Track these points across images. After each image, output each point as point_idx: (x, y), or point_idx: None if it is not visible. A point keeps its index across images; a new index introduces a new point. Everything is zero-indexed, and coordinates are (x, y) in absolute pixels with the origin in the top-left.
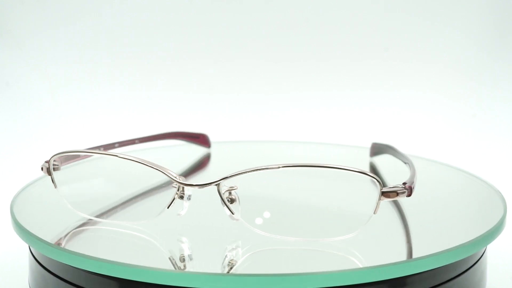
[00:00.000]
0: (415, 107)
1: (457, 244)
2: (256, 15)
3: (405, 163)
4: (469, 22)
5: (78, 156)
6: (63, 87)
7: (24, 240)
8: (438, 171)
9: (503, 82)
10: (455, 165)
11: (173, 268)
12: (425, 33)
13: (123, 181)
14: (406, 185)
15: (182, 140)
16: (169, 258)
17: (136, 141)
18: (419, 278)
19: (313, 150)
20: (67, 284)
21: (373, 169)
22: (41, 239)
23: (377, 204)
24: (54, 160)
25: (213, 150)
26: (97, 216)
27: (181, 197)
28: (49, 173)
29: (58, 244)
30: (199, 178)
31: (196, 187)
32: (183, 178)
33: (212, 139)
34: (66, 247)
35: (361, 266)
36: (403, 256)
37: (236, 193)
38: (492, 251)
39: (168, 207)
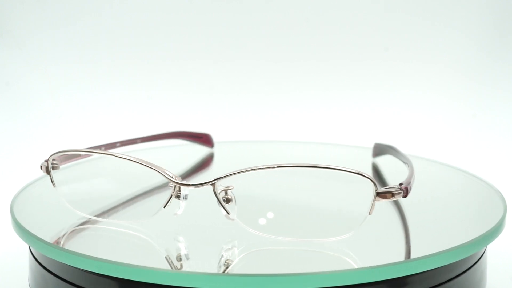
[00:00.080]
0: (415, 107)
1: (457, 244)
2: (256, 15)
3: (405, 163)
4: (469, 22)
5: (77, 155)
6: (63, 87)
7: (24, 240)
8: (438, 171)
9: (503, 82)
10: (455, 165)
11: (169, 268)
12: (425, 33)
13: (122, 180)
14: (402, 186)
15: (185, 140)
16: (166, 258)
17: (138, 140)
18: (419, 278)
19: (313, 150)
20: (67, 284)
21: (375, 170)
22: (41, 239)
23: (372, 205)
24: (53, 159)
25: (214, 150)
26: (95, 215)
27: (178, 197)
28: (47, 172)
29: (57, 243)
30: (201, 178)
31: (192, 187)
32: (179, 178)
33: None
34: (65, 247)
35: (356, 267)
36: (402, 256)
37: (232, 193)
38: (492, 251)
39: (164, 207)
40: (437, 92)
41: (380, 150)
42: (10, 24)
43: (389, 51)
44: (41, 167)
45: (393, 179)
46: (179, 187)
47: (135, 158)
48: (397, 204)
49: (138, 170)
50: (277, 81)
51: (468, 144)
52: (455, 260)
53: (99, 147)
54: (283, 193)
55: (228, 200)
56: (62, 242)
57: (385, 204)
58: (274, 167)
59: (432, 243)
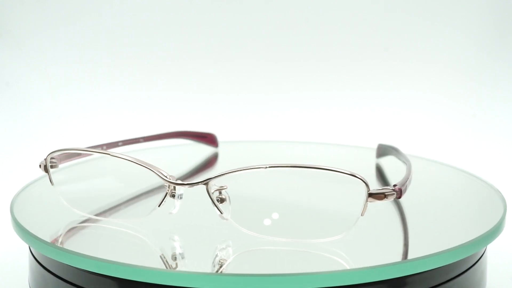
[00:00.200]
0: (415, 107)
1: (457, 244)
2: (256, 15)
3: (405, 164)
4: (469, 22)
5: (76, 154)
6: (63, 87)
7: (24, 240)
8: (438, 171)
9: (503, 82)
10: (455, 165)
11: (164, 267)
12: (425, 33)
13: (121, 180)
14: (396, 187)
15: (190, 139)
16: (160, 257)
17: (141, 140)
18: (419, 278)
19: (313, 150)
20: (67, 284)
21: (379, 170)
22: (41, 239)
23: (364, 205)
24: (52, 158)
25: (212, 150)
26: (92, 214)
27: (173, 196)
28: (46, 170)
29: (55, 242)
30: (203, 177)
31: (186, 186)
32: (174, 177)
33: None
34: (63, 246)
35: (354, 267)
36: (402, 256)
37: (227, 193)
38: (492, 251)
39: (159, 206)
40: (437, 92)
41: (383, 150)
42: (10, 24)
43: (389, 51)
44: (40, 166)
45: (396, 180)
46: (174, 187)
47: (131, 157)
48: (397, 204)
49: (137, 170)
50: (277, 81)
51: (468, 144)
52: (455, 260)
53: (100, 146)
54: (277, 193)
55: (222, 200)
56: (60, 240)
57: (385, 204)
58: (266, 167)
59: (432, 243)
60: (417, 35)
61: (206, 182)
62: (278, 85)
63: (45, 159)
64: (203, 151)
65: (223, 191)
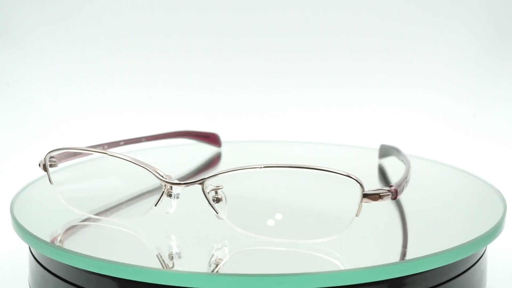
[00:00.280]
0: (415, 107)
1: (457, 244)
2: (256, 15)
3: (405, 164)
4: (469, 22)
5: (75, 154)
6: (63, 87)
7: (24, 240)
8: (438, 171)
9: (503, 82)
10: (455, 165)
11: (161, 266)
12: (425, 33)
13: (120, 180)
14: (392, 188)
15: (193, 139)
16: (157, 256)
17: (143, 139)
18: (419, 278)
19: (313, 150)
20: (67, 284)
21: (381, 171)
22: (41, 239)
23: (359, 206)
24: (52, 157)
25: (214, 150)
26: (89, 213)
27: (169, 196)
28: (45, 169)
29: (53, 241)
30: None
31: (182, 186)
32: (170, 177)
33: None
34: (62, 245)
35: (351, 267)
36: (402, 256)
37: (223, 193)
38: (492, 251)
39: (155, 205)
40: (437, 92)
41: (385, 151)
42: (10, 24)
43: (389, 51)
44: (39, 165)
45: (408, 184)
46: (171, 186)
47: (128, 157)
48: (397, 204)
49: (137, 170)
50: (277, 81)
51: (468, 144)
52: (455, 260)
53: (102, 145)
54: (274, 193)
55: (218, 200)
56: (58, 239)
57: (385, 204)
58: (261, 167)
59: (432, 243)
60: (417, 35)
61: (201, 182)
62: (278, 85)
63: (44, 158)
64: (207, 150)
65: (219, 191)
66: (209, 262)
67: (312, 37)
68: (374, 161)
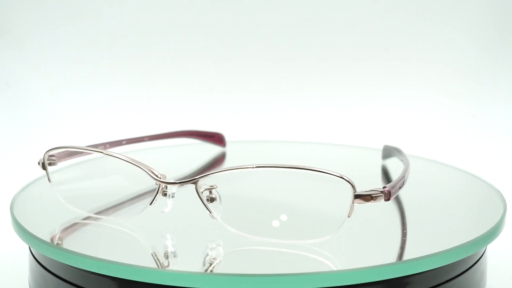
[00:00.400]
0: (415, 107)
1: (457, 244)
2: (256, 15)
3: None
4: (469, 22)
5: (75, 153)
6: (63, 87)
7: (24, 240)
8: (438, 171)
9: (503, 82)
10: (455, 165)
11: (156, 265)
12: (425, 33)
13: (120, 179)
14: (385, 189)
15: (197, 139)
16: (152, 255)
17: (146, 138)
18: (419, 278)
19: (313, 150)
20: (67, 284)
21: (384, 172)
22: (41, 239)
23: (351, 207)
24: (52, 156)
25: (214, 150)
26: (87, 212)
27: (165, 195)
28: (44, 167)
29: (51, 241)
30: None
31: (176, 185)
32: (164, 176)
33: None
34: (59, 245)
35: (353, 267)
36: (399, 256)
37: (217, 192)
38: (492, 251)
39: (150, 204)
40: (437, 92)
41: (387, 152)
42: (10, 24)
43: (389, 51)
44: (38, 163)
45: (408, 184)
46: (166, 186)
47: (124, 156)
48: (397, 204)
49: (136, 169)
50: (277, 81)
51: (468, 144)
52: (455, 260)
53: (104, 144)
54: (268, 193)
55: (212, 199)
56: (57, 237)
57: (385, 204)
58: (253, 167)
59: (432, 243)
60: (417, 35)
61: (194, 181)
62: (278, 85)
63: (43, 157)
64: (211, 150)
65: (213, 191)
66: (203, 261)
67: (312, 37)
68: (374, 161)
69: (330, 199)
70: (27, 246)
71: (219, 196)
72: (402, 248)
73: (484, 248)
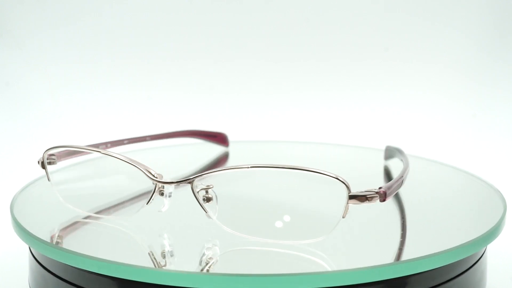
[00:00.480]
0: (415, 107)
1: (457, 244)
2: (256, 15)
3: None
4: (469, 22)
5: (73, 152)
6: (63, 87)
7: (24, 240)
8: (438, 171)
9: (503, 82)
10: (455, 165)
11: (152, 264)
12: (425, 33)
13: (120, 179)
14: (381, 190)
15: (200, 138)
16: (149, 254)
17: (148, 138)
18: (419, 278)
19: (313, 150)
20: (67, 284)
21: (387, 172)
22: (41, 239)
23: (345, 207)
24: (52, 155)
25: (217, 150)
26: (85, 211)
27: (161, 194)
28: (43, 166)
29: (53, 238)
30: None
31: (172, 185)
32: (161, 175)
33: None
34: (60, 241)
35: (353, 267)
36: (399, 257)
37: (214, 192)
38: (492, 251)
39: (147, 203)
40: (437, 92)
41: (389, 152)
42: (10, 24)
43: (389, 51)
44: (38, 162)
45: (408, 184)
46: (162, 185)
47: (121, 155)
48: (398, 204)
49: (136, 169)
50: (277, 81)
51: (468, 144)
52: (455, 260)
53: (105, 143)
54: (264, 193)
55: (208, 199)
56: (56, 235)
57: (385, 204)
58: (249, 167)
59: (432, 243)
60: (417, 35)
61: (190, 181)
62: (278, 85)
63: (42, 156)
64: (214, 150)
65: (209, 190)
66: (200, 260)
67: (312, 37)
68: (374, 161)
69: (326, 200)
70: (27, 246)
71: (216, 196)
72: (402, 248)
73: (484, 248)
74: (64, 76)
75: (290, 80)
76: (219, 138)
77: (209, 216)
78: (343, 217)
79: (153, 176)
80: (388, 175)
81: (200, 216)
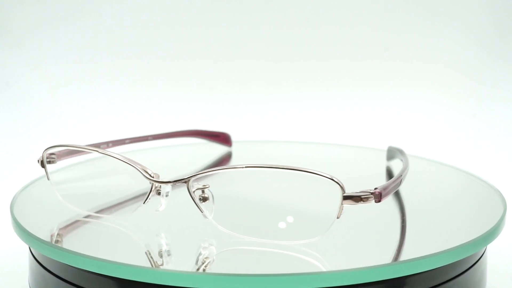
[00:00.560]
0: (415, 107)
1: (457, 244)
2: (256, 15)
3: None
4: (469, 22)
5: (74, 151)
6: (63, 87)
7: (24, 240)
8: (438, 171)
9: (503, 82)
10: (455, 165)
11: (150, 264)
12: (425, 33)
13: (120, 178)
14: (376, 190)
15: (203, 138)
16: (146, 253)
17: (150, 137)
18: (419, 278)
19: (313, 150)
20: (67, 284)
21: (389, 173)
22: (41, 239)
23: (340, 208)
24: (52, 154)
25: (209, 151)
26: (83, 210)
27: (159, 194)
28: (42, 165)
29: (52, 238)
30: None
31: (169, 184)
32: (157, 175)
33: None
34: (59, 239)
35: (352, 267)
36: (397, 256)
37: (210, 192)
38: (492, 251)
39: (144, 202)
40: (437, 92)
41: (391, 153)
42: (10, 24)
43: (389, 51)
44: (38, 161)
45: (408, 184)
46: (160, 185)
47: (118, 155)
48: (398, 204)
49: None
50: (277, 81)
51: (468, 144)
52: (455, 260)
53: (106, 143)
54: (260, 193)
55: (205, 199)
56: (55, 234)
57: (385, 204)
58: (243, 167)
59: (432, 243)
60: (417, 35)
61: (186, 181)
62: (278, 85)
63: (42, 155)
64: (218, 150)
65: (206, 190)
66: (196, 260)
67: (312, 37)
68: (374, 161)
69: (322, 200)
70: (27, 246)
71: (212, 196)
72: (402, 248)
73: (484, 248)
74: (64, 76)
75: (290, 80)
76: (222, 138)
77: (205, 216)
78: (337, 218)
79: (150, 175)
80: (390, 176)
81: (198, 215)
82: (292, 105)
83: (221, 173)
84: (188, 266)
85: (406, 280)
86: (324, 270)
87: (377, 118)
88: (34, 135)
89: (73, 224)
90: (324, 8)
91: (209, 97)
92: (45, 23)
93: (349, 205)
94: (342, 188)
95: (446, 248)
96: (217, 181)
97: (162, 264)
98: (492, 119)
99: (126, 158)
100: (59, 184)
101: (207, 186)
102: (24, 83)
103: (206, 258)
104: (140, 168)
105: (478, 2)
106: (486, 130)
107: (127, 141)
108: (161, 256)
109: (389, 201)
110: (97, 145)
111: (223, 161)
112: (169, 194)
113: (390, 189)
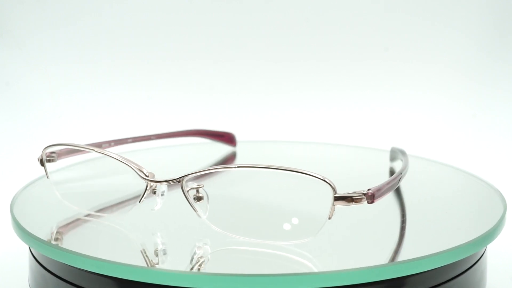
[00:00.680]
0: (415, 107)
1: (457, 244)
2: (256, 15)
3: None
4: (469, 22)
5: (73, 150)
6: (63, 87)
7: (24, 240)
8: (438, 171)
9: (503, 82)
10: (455, 165)
11: (145, 263)
12: (425, 33)
13: (119, 178)
14: (369, 191)
15: (207, 138)
16: (141, 252)
17: (152, 137)
18: (419, 278)
19: (313, 150)
20: (67, 284)
21: (392, 174)
22: (41, 239)
23: (331, 209)
24: (52, 152)
25: (213, 150)
26: (82, 209)
27: (154, 193)
28: (42, 164)
29: (51, 237)
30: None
31: (164, 184)
32: (152, 174)
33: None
34: (59, 244)
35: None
36: (401, 257)
37: (205, 191)
38: (492, 251)
39: (139, 201)
40: (437, 92)
41: (393, 154)
42: (10, 24)
43: (389, 51)
44: (37, 159)
45: (408, 184)
46: (155, 184)
47: (114, 154)
48: (398, 204)
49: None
50: (277, 81)
51: (468, 144)
52: (455, 260)
53: (108, 142)
54: (254, 194)
55: (199, 198)
56: (54, 233)
57: (385, 204)
58: (236, 167)
59: (432, 243)
60: (417, 35)
61: (179, 180)
62: (278, 85)
63: (41, 154)
64: (222, 150)
65: (200, 190)
66: (191, 259)
67: (312, 37)
68: (374, 161)
69: (314, 201)
70: (27, 246)
71: (207, 195)
72: (401, 248)
73: (484, 248)
74: (64, 76)
75: (290, 80)
76: (226, 138)
77: (198, 215)
78: (329, 218)
79: (145, 175)
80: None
81: (194, 215)
82: (292, 105)
83: (217, 173)
84: (183, 265)
85: (406, 280)
86: (315, 270)
87: (377, 118)
88: (34, 135)
89: (72, 223)
90: (324, 8)
91: (209, 97)
92: (45, 23)
93: (343, 206)
94: (333, 188)
95: (446, 248)
96: (213, 181)
97: (157, 263)
98: (492, 119)
99: (121, 157)
100: (58, 183)
101: (202, 185)
102: (24, 83)
103: (201, 257)
104: (135, 167)
105: (478, 2)
106: (486, 130)
107: (129, 140)
108: (156, 255)
109: (389, 201)
110: (99, 144)
111: (227, 161)
112: (165, 193)
113: (384, 190)
